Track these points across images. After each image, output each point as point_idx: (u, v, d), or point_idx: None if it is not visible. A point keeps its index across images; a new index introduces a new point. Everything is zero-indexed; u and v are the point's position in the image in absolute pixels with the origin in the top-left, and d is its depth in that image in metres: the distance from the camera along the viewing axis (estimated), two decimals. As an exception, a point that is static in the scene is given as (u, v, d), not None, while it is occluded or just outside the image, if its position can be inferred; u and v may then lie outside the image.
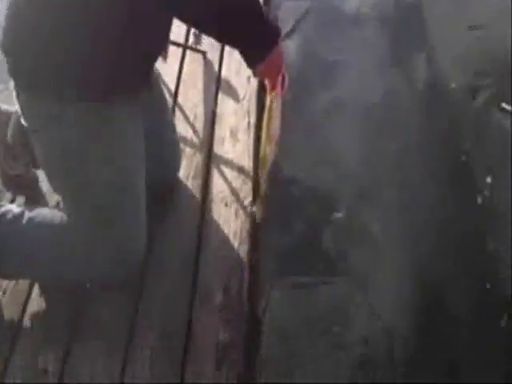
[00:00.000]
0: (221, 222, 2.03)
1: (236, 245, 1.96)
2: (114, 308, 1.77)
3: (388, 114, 2.67)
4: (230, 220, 2.04)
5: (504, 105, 2.61)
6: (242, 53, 1.40)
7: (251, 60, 1.40)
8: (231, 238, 1.98)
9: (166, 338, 1.70)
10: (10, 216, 1.70)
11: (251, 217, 2.03)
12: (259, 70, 1.42)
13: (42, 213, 1.72)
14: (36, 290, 1.81)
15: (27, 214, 1.70)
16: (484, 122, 2.60)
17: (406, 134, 2.58)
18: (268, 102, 1.51)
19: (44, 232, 1.68)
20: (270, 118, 1.51)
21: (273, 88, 1.46)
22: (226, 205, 2.09)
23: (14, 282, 1.82)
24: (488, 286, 2.09)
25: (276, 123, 1.52)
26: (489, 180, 2.39)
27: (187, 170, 2.18)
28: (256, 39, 1.36)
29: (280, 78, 1.47)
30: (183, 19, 1.38)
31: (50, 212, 1.74)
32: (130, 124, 1.55)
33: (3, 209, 1.73)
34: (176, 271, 1.88)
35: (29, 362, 1.64)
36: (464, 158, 2.48)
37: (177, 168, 2.10)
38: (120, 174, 1.54)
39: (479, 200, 2.34)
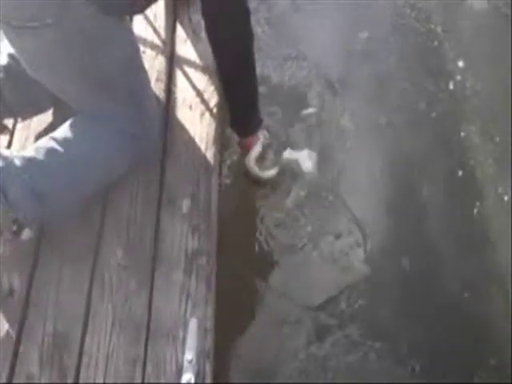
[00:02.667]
0: (186, 125, 1.97)
1: (202, 149, 1.91)
2: (80, 220, 1.74)
3: (358, 6, 2.55)
4: (196, 123, 1.98)
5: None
6: (236, 126, 1.95)
7: (244, 133, 1.97)
8: (197, 141, 1.93)
9: (133, 247, 1.68)
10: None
11: (217, 119, 1.98)
12: (244, 140, 1.97)
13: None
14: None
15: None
16: (455, 3, 2.51)
17: (377, 23, 2.48)
18: None
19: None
20: None
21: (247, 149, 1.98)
22: (191, 108, 2.02)
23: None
24: (460, 173, 2.08)
25: None
26: (461, 64, 2.33)
27: (149, 73, 2.08)
28: (255, 120, 1.94)
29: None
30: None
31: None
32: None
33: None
34: (142, 179, 1.84)
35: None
36: (436, 42, 2.40)
37: None
38: (133, 56, 1.71)
39: (451, 85, 2.29)
